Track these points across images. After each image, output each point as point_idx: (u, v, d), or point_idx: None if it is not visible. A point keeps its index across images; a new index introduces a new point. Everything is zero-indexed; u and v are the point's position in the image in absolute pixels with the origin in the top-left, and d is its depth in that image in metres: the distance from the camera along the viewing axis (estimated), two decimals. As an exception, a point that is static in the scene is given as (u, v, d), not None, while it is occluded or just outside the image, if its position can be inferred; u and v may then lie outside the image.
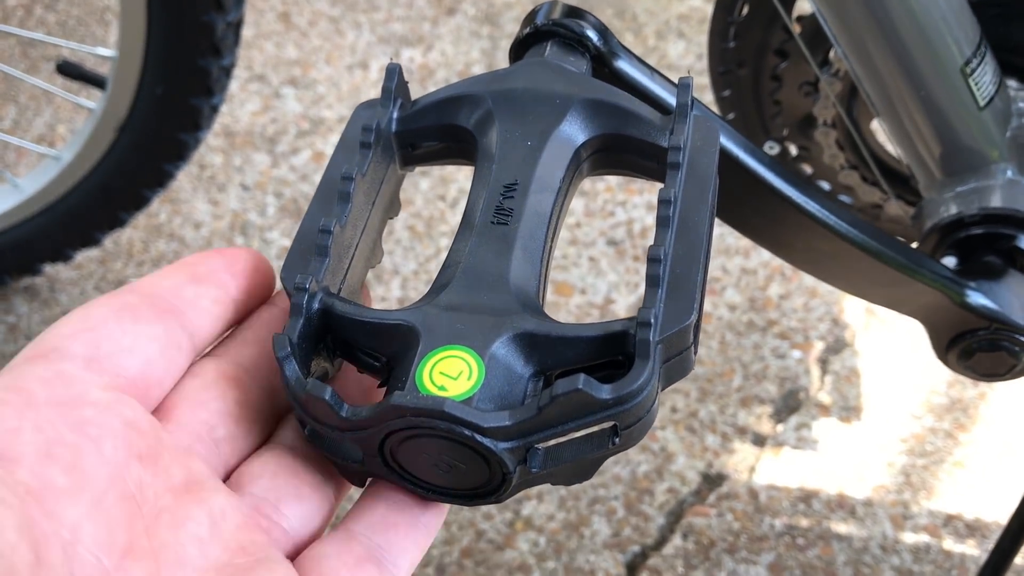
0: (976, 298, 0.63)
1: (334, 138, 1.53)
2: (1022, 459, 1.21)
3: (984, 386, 1.29)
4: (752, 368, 1.29)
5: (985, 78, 0.64)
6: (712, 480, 1.19)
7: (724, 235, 1.43)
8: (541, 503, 1.15)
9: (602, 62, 0.51)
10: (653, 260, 0.37)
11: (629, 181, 1.50)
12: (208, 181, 1.47)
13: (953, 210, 0.66)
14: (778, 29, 0.77)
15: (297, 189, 1.46)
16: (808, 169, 0.86)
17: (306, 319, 0.37)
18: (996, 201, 0.65)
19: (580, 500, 1.16)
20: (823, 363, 1.30)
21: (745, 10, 0.78)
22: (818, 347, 1.32)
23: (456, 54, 1.67)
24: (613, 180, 1.50)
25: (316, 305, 0.37)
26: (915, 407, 1.26)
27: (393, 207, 0.47)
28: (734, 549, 1.13)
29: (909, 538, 1.15)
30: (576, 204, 1.46)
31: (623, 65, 0.52)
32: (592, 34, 0.50)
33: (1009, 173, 0.66)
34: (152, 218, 1.43)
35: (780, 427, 1.24)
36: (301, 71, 1.63)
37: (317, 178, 1.47)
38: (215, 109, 1.10)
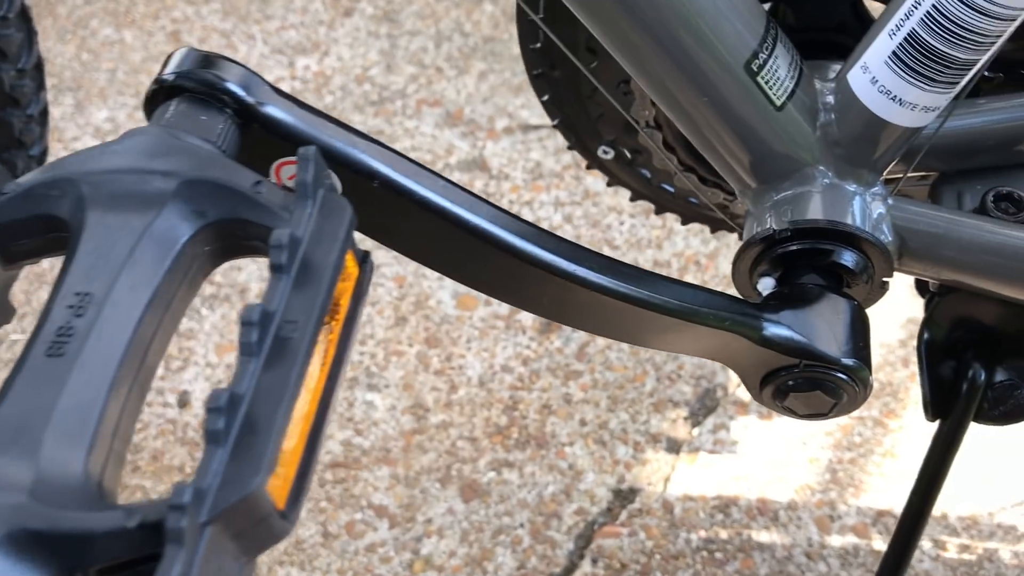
0: (776, 331, 0.55)
1: (224, 161, 1.46)
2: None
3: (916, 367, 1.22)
4: (665, 369, 1.21)
5: (778, 73, 0.56)
6: (623, 496, 1.12)
7: (636, 226, 1.35)
8: (442, 539, 1.09)
9: (249, 115, 0.44)
10: (213, 411, 0.29)
11: (536, 177, 1.43)
12: (93, 220, 1.40)
13: (766, 224, 0.58)
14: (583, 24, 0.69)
15: (186, 220, 1.39)
16: (646, 173, 0.78)
17: None
18: (810, 211, 0.57)
19: (483, 532, 1.09)
20: (742, 357, 1.23)
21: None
22: (736, 340, 1.24)
23: (353, 57, 1.59)
24: (518, 178, 1.42)
25: None
26: (840, 396, 1.18)
27: (4, 313, 0.40)
28: (647, 571, 1.06)
29: (836, 541, 1.08)
30: (479, 208, 1.38)
31: (276, 114, 0.45)
32: (232, 86, 0.43)
33: (827, 178, 0.58)
34: (33, 266, 1.36)
35: (696, 431, 1.16)
36: (190, 92, 1.56)
37: (206, 206, 1.40)
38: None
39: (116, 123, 1.51)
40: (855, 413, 1.17)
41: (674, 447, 1.15)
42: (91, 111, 1.53)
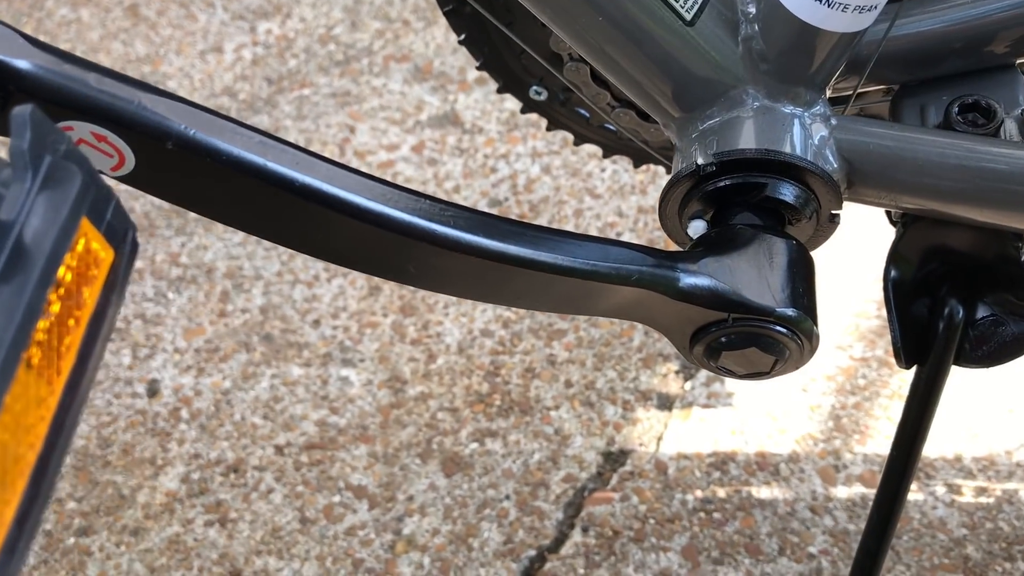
0: (695, 282, 0.47)
1: (187, 137, 1.40)
2: (965, 376, 1.05)
3: (923, 298, 1.13)
4: (655, 321, 1.14)
5: (684, -19, 0.48)
6: (614, 459, 1.05)
7: (618, 171, 1.27)
8: (424, 517, 1.03)
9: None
10: None
11: (511, 128, 1.35)
12: (56, 209, 1.35)
13: (691, 159, 0.50)
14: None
15: (148, 202, 1.34)
16: (584, 113, 0.70)
17: None
18: (739, 140, 0.49)
19: (467, 507, 1.03)
20: (735, 302, 1.15)
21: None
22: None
23: (316, 17, 1.52)
24: (493, 131, 1.34)
25: None
26: (841, 336, 1.11)
27: None
28: (641, 537, 1.00)
29: (842, 493, 1.01)
30: (453, 165, 1.31)
31: (35, 72, 0.38)
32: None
33: (757, 100, 0.50)
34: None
35: (688, 384, 1.09)
36: (151, 67, 1.50)
37: (169, 186, 1.34)
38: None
39: (76, 106, 1.45)
40: (857, 354, 1.10)
41: (666, 404, 1.09)
42: (50, 96, 1.47)
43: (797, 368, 0.51)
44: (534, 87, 0.70)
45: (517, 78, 0.70)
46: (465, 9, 0.66)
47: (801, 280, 0.48)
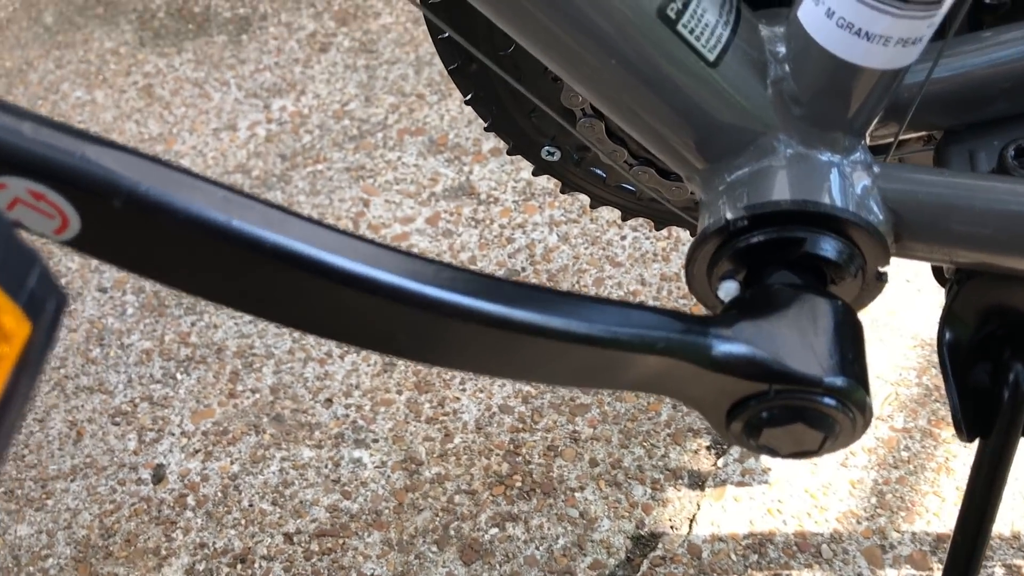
0: (729, 349, 0.42)
1: (198, 214, 1.37)
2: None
3: (967, 364, 1.07)
4: (683, 394, 1.08)
5: (705, 19, 0.44)
6: (644, 543, 0.99)
7: (639, 238, 1.23)
8: (442, 608, 0.97)
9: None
10: None
11: (527, 198, 1.31)
12: (64, 290, 1.32)
13: (718, 213, 0.46)
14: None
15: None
16: (600, 172, 0.66)
17: None
18: (772, 192, 0.45)
19: (487, 596, 0.97)
20: (767, 372, 1.09)
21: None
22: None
23: (330, 93, 1.50)
24: (509, 200, 1.31)
25: None
26: (880, 405, 1.04)
27: None
28: (675, 628, 0.93)
29: (890, 575, 0.93)
30: (469, 236, 1.28)
31: None
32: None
33: (789, 147, 0.46)
34: None
35: (721, 461, 1.03)
36: (164, 146, 1.48)
37: (179, 264, 1.31)
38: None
39: (87, 186, 1.43)
40: (899, 424, 1.03)
41: (698, 482, 1.02)
42: (61, 176, 1.46)
43: (848, 445, 0.46)
44: (546, 147, 0.66)
45: (528, 138, 0.66)
46: (471, 67, 0.62)
47: (849, 345, 0.43)
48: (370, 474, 1.08)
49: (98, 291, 1.31)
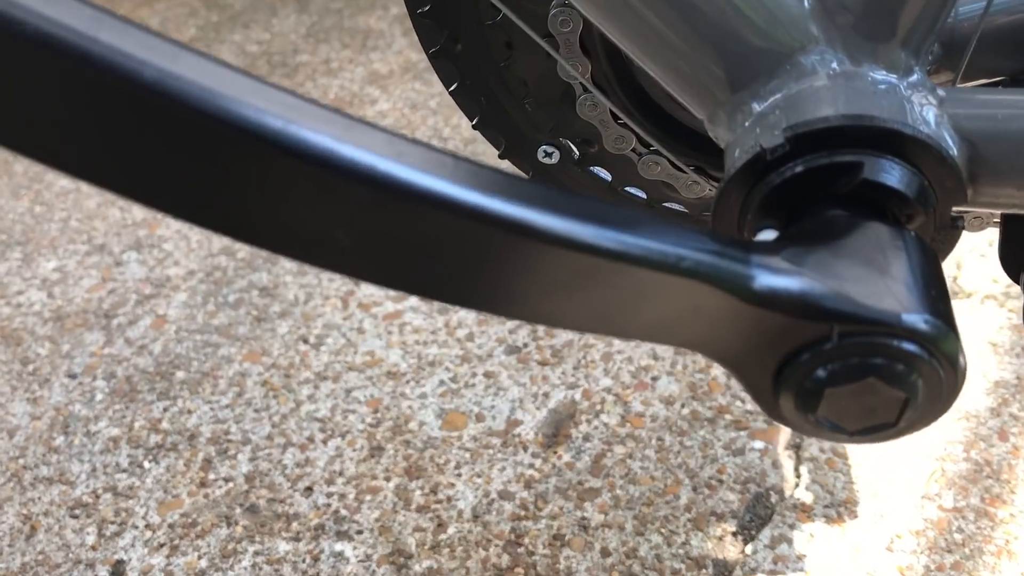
0: (777, 280, 0.33)
1: (180, 297, 1.29)
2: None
3: (1019, 437, 0.96)
4: (703, 475, 0.97)
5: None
6: (665, 641, 0.86)
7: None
8: None
9: None
10: None
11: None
12: (30, 377, 1.23)
13: (750, 143, 0.37)
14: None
15: (133, 365, 1.21)
16: (605, 175, 0.58)
17: None
18: (817, 109, 0.36)
19: None
20: (795, 449, 0.98)
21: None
22: (785, 430, 1.00)
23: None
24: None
25: None
26: (928, 483, 0.93)
27: None
28: None
29: (955, 676, 0.80)
30: (466, 312, 1.19)
31: None
32: None
33: (835, 62, 0.38)
34: (-39, 434, 1.18)
35: (749, 548, 0.91)
36: (147, 231, 1.42)
37: (155, 349, 1.22)
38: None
39: (65, 272, 1.36)
40: (949, 503, 0.92)
41: (724, 572, 0.90)
42: (39, 263, 1.39)
43: (937, 416, 0.35)
44: (543, 146, 0.59)
45: (521, 135, 0.59)
46: (455, 49, 0.55)
47: (932, 279, 0.34)
48: (353, 569, 0.95)
49: (67, 376, 1.22)
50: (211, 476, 1.06)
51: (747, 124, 0.38)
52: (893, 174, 0.36)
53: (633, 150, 0.54)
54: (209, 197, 0.29)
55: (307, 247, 0.29)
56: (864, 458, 0.96)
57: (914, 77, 0.38)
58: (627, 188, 0.58)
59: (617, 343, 1.12)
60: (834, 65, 0.38)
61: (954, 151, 0.38)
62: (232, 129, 0.26)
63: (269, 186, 0.28)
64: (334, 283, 1.26)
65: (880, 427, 0.35)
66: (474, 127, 0.59)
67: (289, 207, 0.28)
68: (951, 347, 0.33)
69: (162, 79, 0.26)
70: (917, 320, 0.32)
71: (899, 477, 0.94)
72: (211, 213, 0.30)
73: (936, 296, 0.33)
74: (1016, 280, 0.48)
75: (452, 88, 0.57)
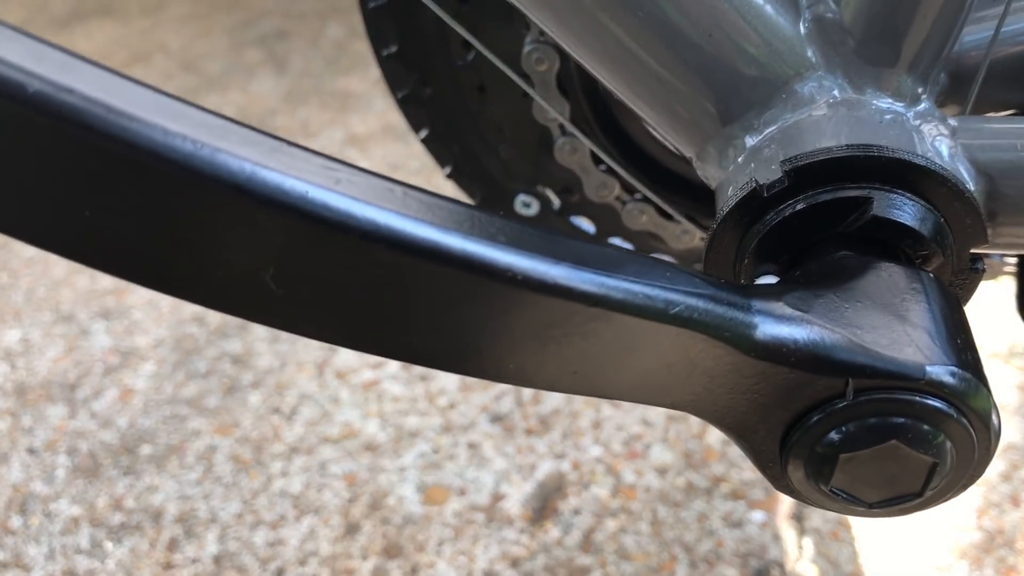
0: (782, 329, 0.28)
1: (148, 367, 1.24)
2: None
3: (1032, 504, 0.91)
4: (700, 549, 0.92)
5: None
6: None
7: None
8: None
9: None
10: None
11: (513, 339, 1.18)
12: (-12, 454, 1.17)
13: (743, 181, 0.33)
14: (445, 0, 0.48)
15: (96, 440, 1.15)
16: (589, 226, 0.54)
17: None
18: (818, 140, 0.32)
19: None
20: (797, 520, 0.93)
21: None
22: (786, 500, 0.95)
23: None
24: (492, 342, 1.18)
25: None
26: (938, 555, 0.88)
27: None
28: None
29: None
30: (447, 379, 1.14)
31: None
32: None
33: (836, 91, 0.34)
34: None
35: (751, 628, 0.85)
36: (115, 300, 1.37)
37: (121, 422, 1.17)
38: None
39: (29, 343, 1.31)
40: (959, 575, 0.86)
41: (724, 654, 0.84)
42: (3, 332, 1.33)
43: (968, 484, 0.30)
44: (521, 196, 0.54)
45: (497, 185, 0.54)
46: (425, 92, 0.51)
47: (955, 327, 0.29)
48: (326, 657, 0.89)
49: (27, 452, 1.15)
50: (177, 557, 1.00)
51: (740, 160, 0.34)
52: (906, 210, 0.32)
53: (617, 198, 0.50)
54: (113, 232, 0.24)
55: (233, 293, 0.25)
56: (870, 528, 0.90)
57: (922, 106, 0.35)
58: (612, 239, 0.54)
59: (607, 409, 1.07)
60: (835, 93, 0.34)
61: (971, 185, 0.33)
62: (133, 150, 0.22)
63: (185, 219, 0.23)
64: (309, 351, 1.21)
65: (903, 498, 0.30)
66: (448, 177, 0.55)
67: (209, 243, 0.24)
68: (983, 403, 0.28)
69: (46, 90, 0.21)
70: (943, 373, 0.28)
71: (908, 548, 0.88)
72: (121, 254, 0.25)
73: (963, 345, 0.29)
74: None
75: (423, 136, 0.53)
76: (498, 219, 0.26)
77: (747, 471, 0.97)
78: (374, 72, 1.94)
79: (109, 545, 1.02)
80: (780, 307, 0.29)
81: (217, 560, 0.98)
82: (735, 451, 0.99)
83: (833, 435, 0.29)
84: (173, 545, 1.01)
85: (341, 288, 0.24)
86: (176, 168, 0.22)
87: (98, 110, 0.22)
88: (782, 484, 0.31)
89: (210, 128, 0.23)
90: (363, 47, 1.94)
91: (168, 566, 0.99)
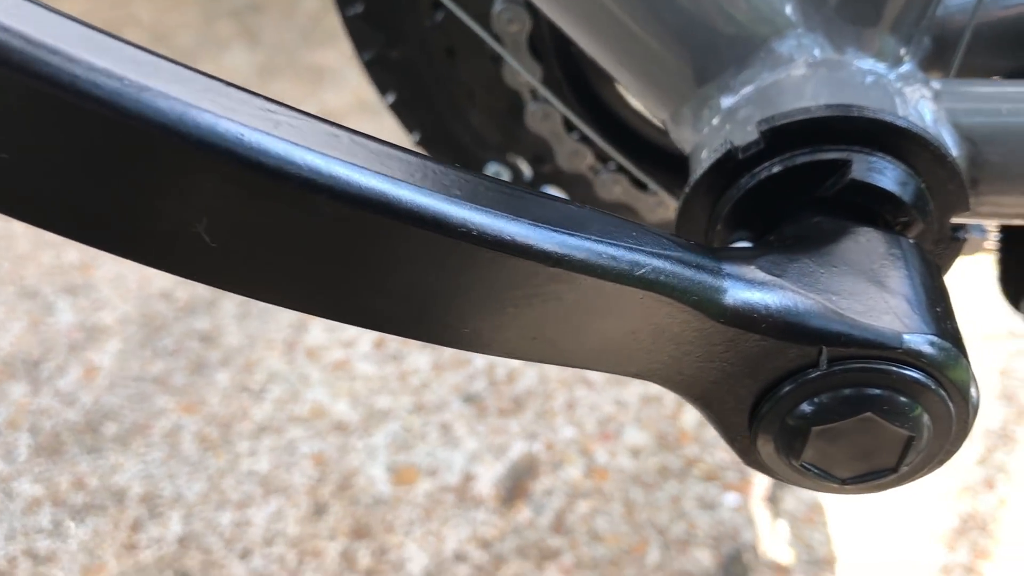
0: (754, 295, 0.26)
1: (114, 344, 1.21)
2: (1089, 586, 0.81)
3: (1006, 486, 0.91)
4: (673, 532, 0.91)
5: None
6: None
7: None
8: None
9: None
10: None
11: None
12: (-52, 432, 1.14)
13: (717, 143, 0.32)
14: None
15: (60, 418, 1.13)
16: (564, 194, 0.52)
17: None
18: (796, 99, 0.31)
19: None
20: (772, 503, 0.92)
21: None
22: (761, 481, 0.94)
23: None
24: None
25: None
26: (913, 539, 0.87)
27: None
28: None
29: None
30: (419, 359, 1.12)
31: None
32: None
33: (815, 50, 0.32)
34: None
35: (723, 611, 0.84)
36: (81, 275, 1.34)
37: (85, 400, 1.14)
38: None
39: (-7, 319, 1.28)
40: (937, 559, 0.85)
41: (695, 637, 0.83)
42: (-35, 310, 1.30)
43: (945, 459, 0.29)
44: (491, 166, 0.53)
45: (467, 153, 0.53)
46: (392, 55, 0.49)
47: (934, 295, 0.28)
48: (291, 639, 0.87)
49: (-13, 431, 1.13)
50: (140, 538, 0.98)
51: (715, 121, 0.33)
52: (886, 174, 0.30)
53: (590, 167, 0.48)
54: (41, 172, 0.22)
55: (162, 244, 0.23)
56: (845, 511, 0.89)
57: (905, 68, 0.33)
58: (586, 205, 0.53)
59: (581, 389, 1.05)
60: (814, 52, 0.32)
61: (954, 150, 0.32)
62: (53, 85, 0.20)
63: (111, 164, 0.21)
64: (280, 329, 1.19)
65: (878, 473, 0.28)
66: (416, 144, 0.53)
67: (137, 190, 0.22)
68: (962, 375, 0.27)
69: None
70: (922, 342, 0.26)
71: (882, 532, 0.88)
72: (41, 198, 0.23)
73: (942, 314, 0.27)
74: (1016, 306, 0.43)
75: (391, 101, 0.51)
76: (454, 171, 0.24)
77: (721, 453, 0.96)
78: (349, 46, 1.91)
79: (71, 525, 1.00)
80: (752, 271, 0.27)
81: (182, 541, 0.96)
82: (709, 433, 0.98)
83: (805, 406, 0.27)
84: (137, 525, 0.99)
85: (280, 243, 0.22)
86: (99, 105, 0.20)
87: (16, 42, 0.20)
88: (751, 459, 0.29)
89: (138, 64, 0.21)
90: (338, 21, 1.91)
91: (131, 547, 0.97)
